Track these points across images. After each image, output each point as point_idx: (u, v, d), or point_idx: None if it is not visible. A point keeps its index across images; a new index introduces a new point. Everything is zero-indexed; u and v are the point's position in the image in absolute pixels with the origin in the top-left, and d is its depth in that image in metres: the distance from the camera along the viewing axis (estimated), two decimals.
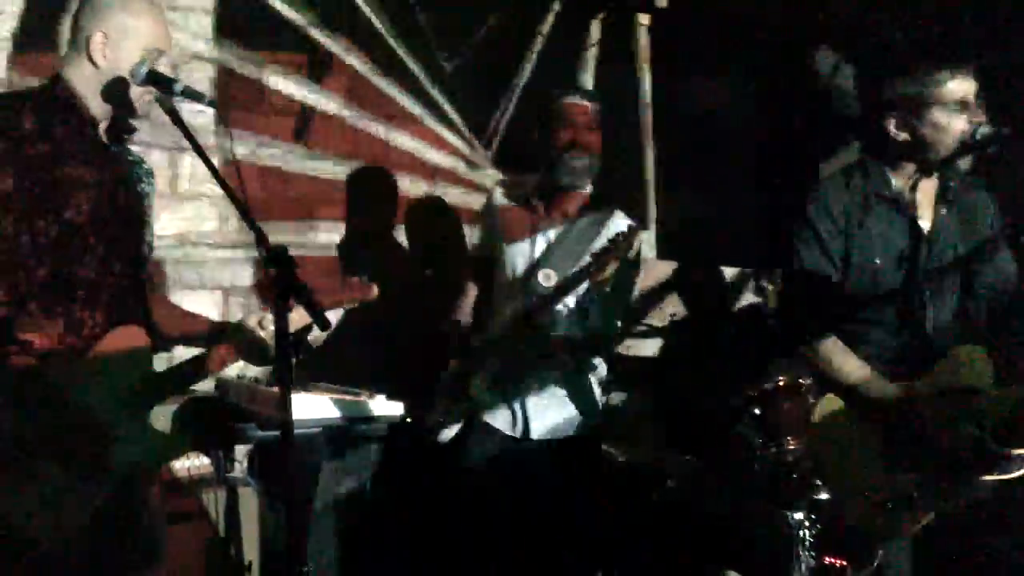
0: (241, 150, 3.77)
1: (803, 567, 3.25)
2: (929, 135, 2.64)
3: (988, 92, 2.66)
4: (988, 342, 2.66)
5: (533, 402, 3.21)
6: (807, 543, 3.28)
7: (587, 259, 3.01)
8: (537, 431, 3.21)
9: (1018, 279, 2.55)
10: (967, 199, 2.76)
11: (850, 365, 2.67)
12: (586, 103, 3.23)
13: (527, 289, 3.19)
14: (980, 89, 2.64)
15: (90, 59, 2.32)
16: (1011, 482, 2.55)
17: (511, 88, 4.41)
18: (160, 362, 2.41)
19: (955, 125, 2.62)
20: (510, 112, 4.40)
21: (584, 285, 3.03)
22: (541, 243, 3.23)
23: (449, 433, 3.22)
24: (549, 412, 3.22)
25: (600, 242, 3.05)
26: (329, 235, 4.00)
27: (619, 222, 3.17)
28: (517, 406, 3.21)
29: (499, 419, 3.23)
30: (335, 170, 4.02)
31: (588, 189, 3.29)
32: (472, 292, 3.47)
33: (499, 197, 3.39)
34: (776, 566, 3.27)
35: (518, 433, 3.21)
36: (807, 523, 3.30)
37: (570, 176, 3.21)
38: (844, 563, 3.24)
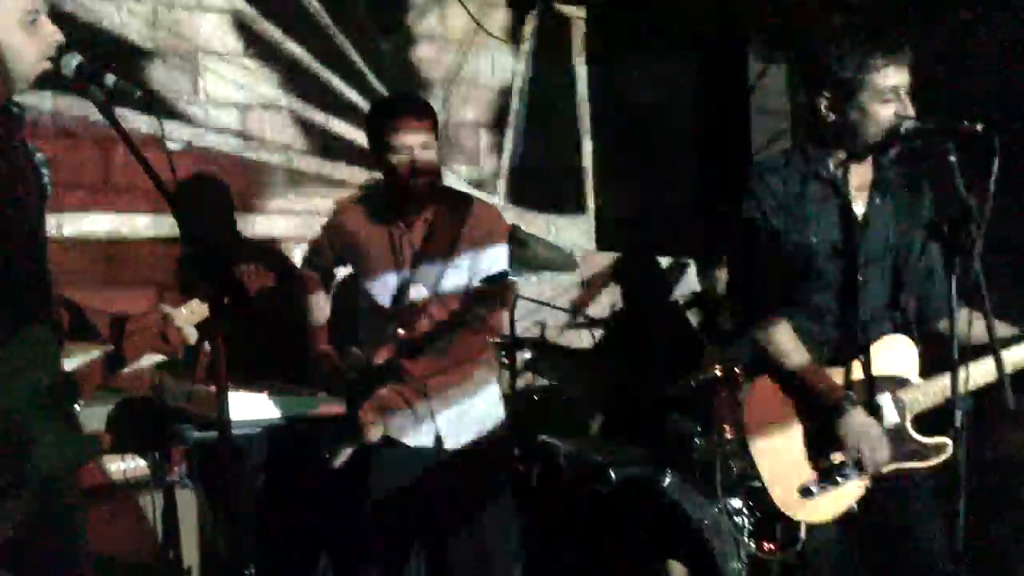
0: (176, 145, 3.72)
1: (742, 554, 3.31)
2: (856, 120, 2.64)
3: (919, 86, 2.68)
4: (912, 334, 2.72)
5: (443, 416, 3.10)
6: (745, 530, 3.33)
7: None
8: (451, 442, 3.10)
9: (945, 277, 2.54)
10: (904, 190, 2.78)
11: (793, 352, 2.67)
12: (416, 120, 3.02)
13: (400, 311, 3.07)
14: (913, 82, 2.66)
15: None
16: None
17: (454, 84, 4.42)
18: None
19: (882, 113, 2.62)
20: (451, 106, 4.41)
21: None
22: (407, 255, 3.09)
23: (342, 458, 3.04)
24: (461, 423, 3.12)
25: (465, 228, 3.04)
26: (266, 226, 3.96)
27: (476, 207, 3.11)
28: (426, 421, 3.09)
29: (410, 437, 3.10)
30: (274, 160, 3.98)
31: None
32: (322, 304, 3.28)
33: (349, 219, 3.19)
34: (716, 554, 3.32)
35: (430, 444, 3.10)
36: (745, 510, 3.35)
37: (417, 203, 3.07)
38: (775, 548, 3.29)
